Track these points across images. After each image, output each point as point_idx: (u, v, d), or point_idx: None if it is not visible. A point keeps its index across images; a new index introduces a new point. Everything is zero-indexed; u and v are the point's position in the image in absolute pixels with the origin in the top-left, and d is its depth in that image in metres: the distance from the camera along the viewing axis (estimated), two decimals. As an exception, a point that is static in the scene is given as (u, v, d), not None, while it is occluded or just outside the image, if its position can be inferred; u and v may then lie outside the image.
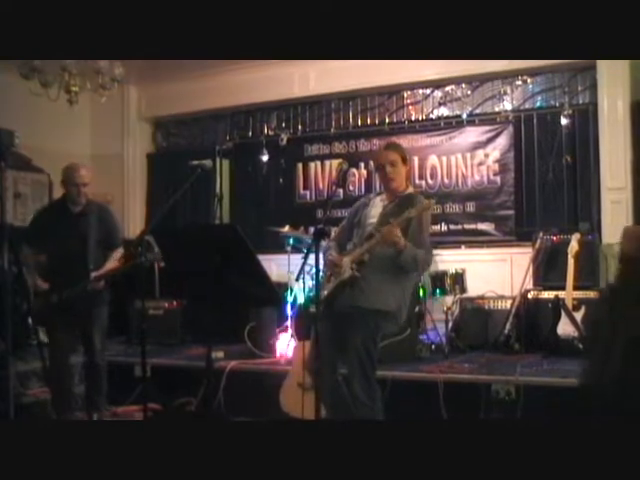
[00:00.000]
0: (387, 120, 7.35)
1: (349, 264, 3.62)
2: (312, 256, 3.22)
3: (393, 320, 3.73)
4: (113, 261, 4.60)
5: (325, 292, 3.68)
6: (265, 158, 7.83)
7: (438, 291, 6.03)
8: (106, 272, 4.55)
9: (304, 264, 3.50)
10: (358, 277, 3.59)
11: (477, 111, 6.98)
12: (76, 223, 4.60)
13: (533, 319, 5.76)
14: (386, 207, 3.79)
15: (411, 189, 3.90)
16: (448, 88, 7.09)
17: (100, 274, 4.52)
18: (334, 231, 4.13)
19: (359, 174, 7.34)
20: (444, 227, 6.94)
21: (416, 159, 7.08)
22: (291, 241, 6.19)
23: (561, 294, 5.52)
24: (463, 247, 6.86)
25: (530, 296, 5.91)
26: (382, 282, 3.65)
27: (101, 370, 4.72)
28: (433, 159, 7.07)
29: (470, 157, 6.92)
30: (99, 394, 4.74)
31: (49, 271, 4.63)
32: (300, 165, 7.73)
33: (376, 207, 3.84)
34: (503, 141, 6.78)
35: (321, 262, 3.30)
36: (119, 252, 4.68)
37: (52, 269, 4.62)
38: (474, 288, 6.16)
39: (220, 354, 5.57)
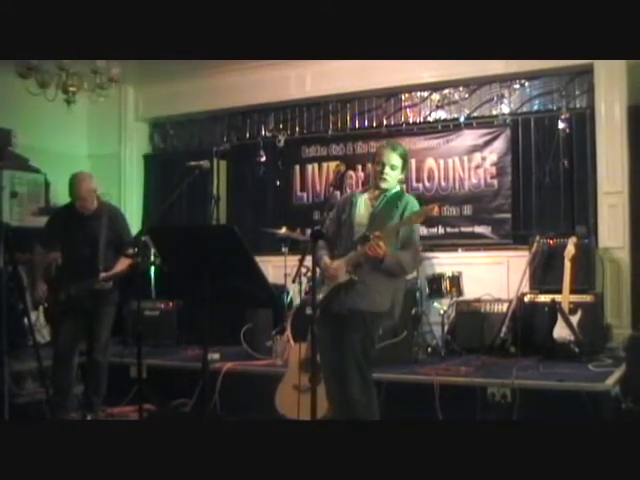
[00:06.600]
0: (385, 122, 7.34)
1: (344, 268, 3.63)
2: (308, 258, 3.23)
3: (388, 316, 3.79)
4: (123, 263, 4.65)
5: (320, 296, 3.68)
6: (262, 159, 7.80)
7: (435, 294, 6.03)
8: (114, 274, 4.62)
9: (300, 266, 3.50)
10: (356, 280, 3.61)
11: (475, 114, 6.97)
12: (87, 225, 4.69)
13: (529, 322, 5.76)
14: (375, 206, 3.78)
15: (398, 187, 3.88)
16: (446, 91, 7.08)
17: (108, 275, 4.59)
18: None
19: (356, 176, 7.32)
20: (441, 230, 6.93)
21: (413, 162, 7.07)
22: (288, 243, 6.19)
23: (557, 297, 5.52)
24: (460, 250, 6.86)
25: (526, 299, 5.91)
26: (378, 283, 3.67)
27: (101, 368, 4.75)
28: (430, 162, 7.07)
29: (467, 160, 6.91)
30: (97, 394, 4.76)
31: (60, 271, 4.72)
32: (297, 167, 7.71)
33: (364, 206, 3.82)
34: (500, 144, 6.78)
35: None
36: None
37: (63, 269, 4.72)
38: (470, 291, 6.16)
39: (216, 355, 5.57)
